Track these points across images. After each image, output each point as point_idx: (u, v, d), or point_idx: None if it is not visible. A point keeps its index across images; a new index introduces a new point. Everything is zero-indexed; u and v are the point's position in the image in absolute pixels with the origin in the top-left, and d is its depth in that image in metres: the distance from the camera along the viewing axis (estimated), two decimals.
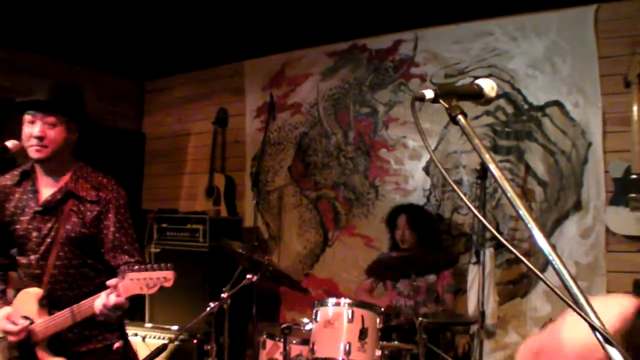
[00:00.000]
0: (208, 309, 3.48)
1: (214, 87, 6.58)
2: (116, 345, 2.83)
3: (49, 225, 2.73)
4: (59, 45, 5.75)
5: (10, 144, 2.66)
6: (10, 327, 2.59)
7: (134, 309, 5.60)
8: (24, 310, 2.64)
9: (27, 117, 2.69)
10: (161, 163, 6.94)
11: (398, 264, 3.84)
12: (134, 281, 2.42)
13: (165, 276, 2.44)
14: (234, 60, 6.33)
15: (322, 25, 5.26)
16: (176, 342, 4.12)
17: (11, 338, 2.59)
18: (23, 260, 2.77)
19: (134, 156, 6.91)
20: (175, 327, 4.65)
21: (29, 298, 2.66)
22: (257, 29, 5.36)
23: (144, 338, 4.48)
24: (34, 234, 2.73)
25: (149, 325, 4.78)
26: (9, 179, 2.86)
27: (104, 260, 2.80)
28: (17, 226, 2.76)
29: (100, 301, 2.43)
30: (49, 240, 2.72)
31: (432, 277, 4.42)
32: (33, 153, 2.67)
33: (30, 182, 2.81)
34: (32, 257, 2.73)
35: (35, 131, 2.64)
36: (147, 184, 7.04)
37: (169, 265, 2.46)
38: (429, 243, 4.54)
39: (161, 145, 6.98)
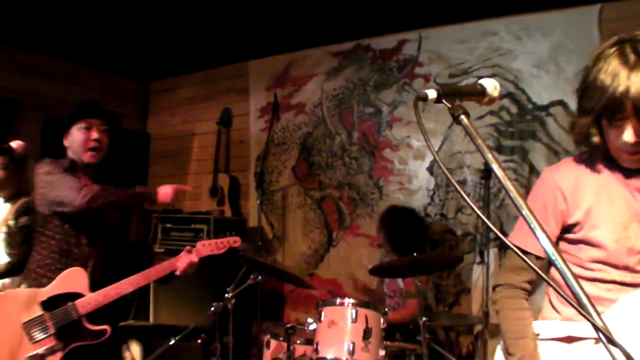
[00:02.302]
0: (212, 308, 3.49)
1: (219, 88, 6.59)
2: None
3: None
4: (64, 45, 5.77)
5: (15, 144, 2.69)
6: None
7: (138, 309, 5.62)
8: (73, 286, 2.96)
9: (83, 124, 3.06)
10: (166, 163, 6.95)
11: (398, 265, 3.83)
12: (205, 245, 3.21)
13: (234, 240, 3.28)
14: (238, 60, 6.33)
15: (326, 25, 5.26)
16: (180, 342, 4.13)
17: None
18: (65, 246, 3.06)
19: (139, 156, 6.90)
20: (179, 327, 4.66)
21: (78, 275, 2.99)
22: (262, 30, 5.37)
23: (147, 338, 4.49)
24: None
25: (153, 324, 4.79)
26: (57, 164, 3.08)
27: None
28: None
29: (184, 259, 3.14)
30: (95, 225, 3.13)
31: (401, 282, 4.39)
32: (89, 157, 3.08)
33: (75, 174, 3.09)
34: (83, 240, 3.08)
35: (94, 135, 3.07)
36: (151, 184, 7.02)
37: (232, 232, 3.30)
38: (404, 248, 4.23)
39: (166, 146, 6.99)
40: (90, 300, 2.94)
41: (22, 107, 5.60)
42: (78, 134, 3.07)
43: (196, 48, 5.95)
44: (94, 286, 2.98)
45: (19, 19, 5.00)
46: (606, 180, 1.88)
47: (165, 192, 3.08)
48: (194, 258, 3.15)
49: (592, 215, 1.85)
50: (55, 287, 2.96)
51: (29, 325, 2.87)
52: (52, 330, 2.87)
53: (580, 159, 1.95)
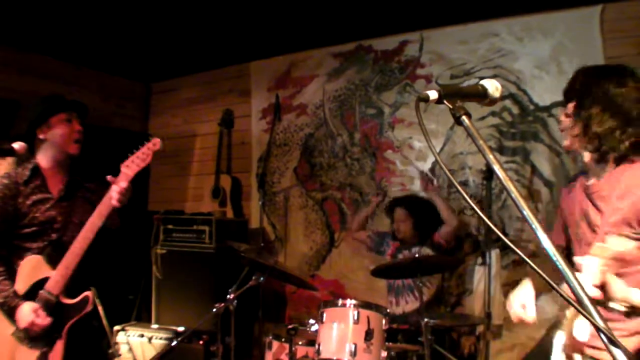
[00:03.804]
0: (214, 310, 3.49)
1: (220, 89, 6.60)
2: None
3: (68, 210, 3.14)
4: (66, 46, 5.77)
5: (17, 145, 2.69)
6: (40, 320, 2.84)
7: (140, 310, 5.63)
8: (36, 274, 2.95)
9: (64, 116, 3.12)
10: (167, 164, 6.95)
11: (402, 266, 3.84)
12: (129, 165, 2.97)
13: (153, 143, 3.01)
14: (239, 61, 6.34)
15: (328, 26, 5.26)
16: (182, 344, 4.13)
17: (37, 330, 2.85)
18: (37, 244, 3.04)
19: None
20: (181, 328, 4.66)
21: (34, 262, 2.98)
22: (263, 31, 5.37)
23: (150, 339, 4.49)
24: (59, 218, 3.09)
25: (155, 326, 4.80)
26: (16, 176, 3.08)
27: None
28: (37, 214, 3.04)
29: (115, 191, 2.90)
30: (70, 219, 3.14)
31: None
32: (75, 149, 3.14)
33: (39, 178, 3.10)
34: (53, 235, 3.07)
35: (77, 127, 3.15)
36: (153, 186, 7.05)
37: (149, 138, 3.05)
38: (426, 230, 4.62)
39: (167, 147, 6.96)
40: (57, 278, 2.92)
41: (23, 108, 5.60)
42: (60, 127, 3.10)
43: (198, 49, 5.96)
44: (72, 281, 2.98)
45: (20, 20, 5.00)
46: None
47: None
48: (123, 184, 2.92)
49: None
50: (22, 282, 2.95)
51: (21, 334, 2.88)
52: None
53: None
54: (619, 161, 2.19)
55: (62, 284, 2.92)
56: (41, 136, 3.10)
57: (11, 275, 2.98)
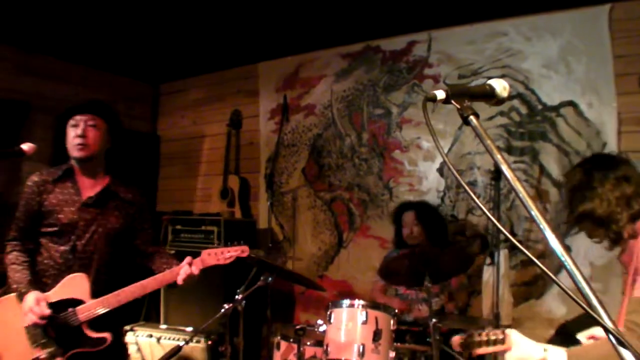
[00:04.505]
0: (223, 310, 3.49)
1: (228, 89, 6.61)
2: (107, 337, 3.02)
3: (94, 217, 3.13)
4: (75, 48, 5.80)
5: (26, 146, 2.69)
6: (37, 309, 2.83)
7: (149, 310, 5.64)
8: (74, 292, 2.97)
9: (71, 122, 3.12)
10: (176, 165, 6.97)
11: (410, 267, 3.82)
12: (211, 255, 3.08)
13: (242, 249, 3.13)
14: (248, 62, 6.35)
15: (336, 26, 5.26)
16: (191, 344, 4.14)
17: (32, 319, 2.83)
18: (63, 247, 3.07)
19: (149, 158, 6.93)
20: (189, 329, 4.67)
21: (79, 281, 3.00)
22: (271, 31, 5.38)
23: (158, 339, 4.50)
24: (81, 223, 3.09)
25: (163, 326, 4.81)
26: (47, 175, 3.16)
27: (132, 253, 3.32)
28: (60, 215, 3.06)
29: (185, 272, 3.02)
30: (93, 228, 3.11)
31: None
32: (76, 152, 3.09)
33: (70, 180, 3.16)
34: (78, 243, 3.08)
35: (78, 131, 3.07)
36: (161, 186, 7.07)
37: (241, 242, 3.16)
38: (438, 239, 4.56)
39: (176, 148, 7.01)
40: (90, 307, 2.95)
41: (33, 110, 5.63)
42: (68, 133, 3.14)
43: (206, 50, 5.97)
44: (96, 293, 3.00)
45: (29, 22, 5.03)
46: None
47: None
48: (195, 271, 3.06)
49: None
50: (57, 292, 2.98)
51: (30, 329, 2.89)
52: (52, 335, 2.89)
53: None
54: None
55: (91, 316, 2.95)
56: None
57: (32, 268, 3.05)
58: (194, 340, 4.28)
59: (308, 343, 3.50)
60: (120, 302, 2.98)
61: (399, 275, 3.94)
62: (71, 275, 3.01)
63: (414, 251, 3.77)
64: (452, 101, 1.35)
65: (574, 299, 1.07)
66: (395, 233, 4.77)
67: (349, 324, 3.22)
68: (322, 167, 5.76)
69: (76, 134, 3.08)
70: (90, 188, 3.18)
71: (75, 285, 2.99)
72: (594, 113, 4.36)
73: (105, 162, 3.28)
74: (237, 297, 3.54)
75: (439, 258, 3.67)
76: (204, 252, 3.10)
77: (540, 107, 4.60)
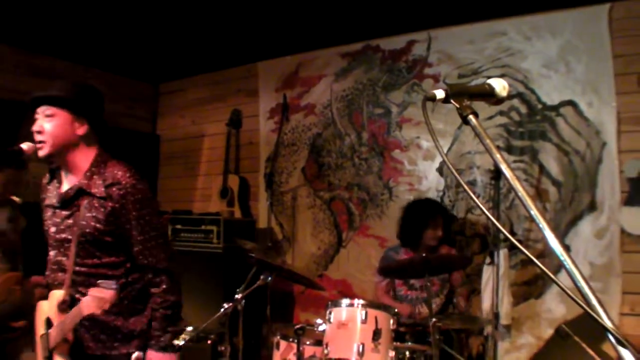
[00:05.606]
0: (222, 309, 3.49)
1: (228, 89, 6.61)
2: (135, 355, 2.59)
3: (65, 220, 2.61)
4: (74, 47, 5.80)
5: (25, 146, 2.67)
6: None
7: None
8: (49, 313, 2.56)
9: (32, 115, 2.63)
10: (175, 165, 6.97)
11: (412, 266, 3.82)
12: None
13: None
14: (247, 61, 6.35)
15: (336, 26, 5.26)
16: (190, 343, 4.13)
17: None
18: (49, 257, 2.69)
19: (149, 158, 6.93)
20: (189, 328, 4.66)
21: (51, 302, 2.55)
22: (271, 31, 5.38)
23: None
24: (52, 229, 2.65)
25: None
26: (45, 177, 2.83)
27: (127, 259, 2.66)
28: (45, 221, 2.73)
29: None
30: (64, 235, 2.60)
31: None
32: (38, 152, 2.58)
33: (56, 179, 2.73)
34: (51, 252, 2.66)
35: (35, 126, 2.57)
36: (161, 186, 7.07)
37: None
38: (449, 240, 4.62)
39: (175, 147, 7.01)
40: (52, 333, 2.49)
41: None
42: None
43: (205, 49, 5.97)
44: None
45: (29, 22, 5.03)
46: None
47: None
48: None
49: None
50: (44, 312, 2.63)
51: (41, 339, 2.58)
52: (46, 354, 2.54)
53: None
54: None
55: (54, 344, 2.49)
56: None
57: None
58: (194, 340, 4.27)
59: (307, 342, 3.50)
60: (64, 331, 2.44)
61: (400, 272, 3.97)
62: (50, 294, 2.60)
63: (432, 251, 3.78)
64: (452, 100, 1.35)
65: (573, 299, 1.07)
66: (405, 230, 4.58)
67: (349, 324, 3.22)
68: (322, 167, 5.76)
69: (33, 130, 2.57)
70: (68, 184, 2.67)
71: (49, 306, 2.58)
72: (594, 112, 4.36)
73: (99, 153, 2.70)
74: (236, 296, 3.54)
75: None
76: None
77: (539, 106, 4.60)
